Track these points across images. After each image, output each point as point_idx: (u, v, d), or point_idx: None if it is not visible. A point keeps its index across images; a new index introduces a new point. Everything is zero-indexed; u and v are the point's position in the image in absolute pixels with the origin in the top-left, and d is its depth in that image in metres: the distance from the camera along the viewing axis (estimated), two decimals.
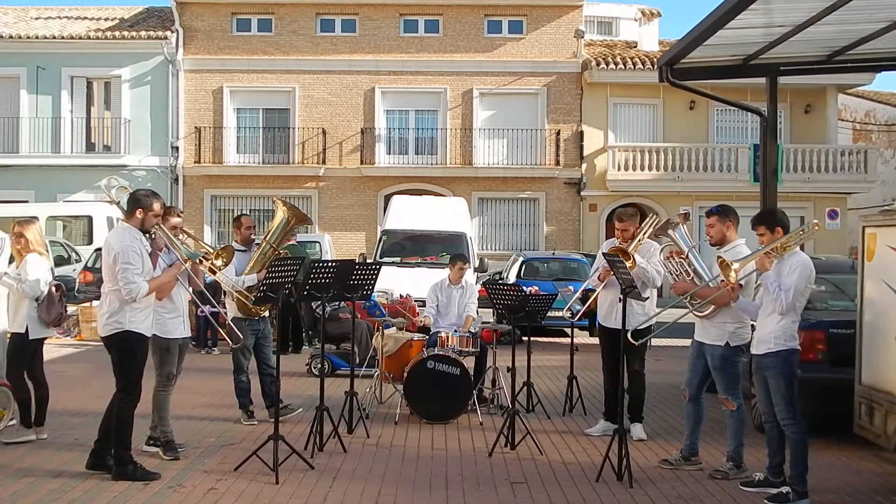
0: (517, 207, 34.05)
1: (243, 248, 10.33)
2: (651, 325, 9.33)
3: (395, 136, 33.90)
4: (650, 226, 9.49)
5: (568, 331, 13.26)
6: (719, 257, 7.57)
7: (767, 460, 7.65)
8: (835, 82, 32.35)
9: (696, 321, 8.21)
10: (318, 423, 8.69)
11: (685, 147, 32.73)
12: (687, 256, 8.18)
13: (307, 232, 26.43)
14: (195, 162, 33.45)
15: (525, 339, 10.25)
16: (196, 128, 33.42)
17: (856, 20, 10.99)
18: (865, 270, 7.90)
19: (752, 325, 7.73)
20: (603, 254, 9.07)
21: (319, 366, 9.75)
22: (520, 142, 33.55)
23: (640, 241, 9.51)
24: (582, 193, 33.65)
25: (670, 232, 8.33)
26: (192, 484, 7.54)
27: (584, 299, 11.33)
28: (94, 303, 18.49)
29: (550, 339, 19.80)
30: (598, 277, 9.62)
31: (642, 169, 32.79)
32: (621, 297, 8.05)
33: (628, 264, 8.60)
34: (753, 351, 7.48)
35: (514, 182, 33.57)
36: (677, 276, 8.23)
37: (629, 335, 8.04)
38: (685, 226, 8.38)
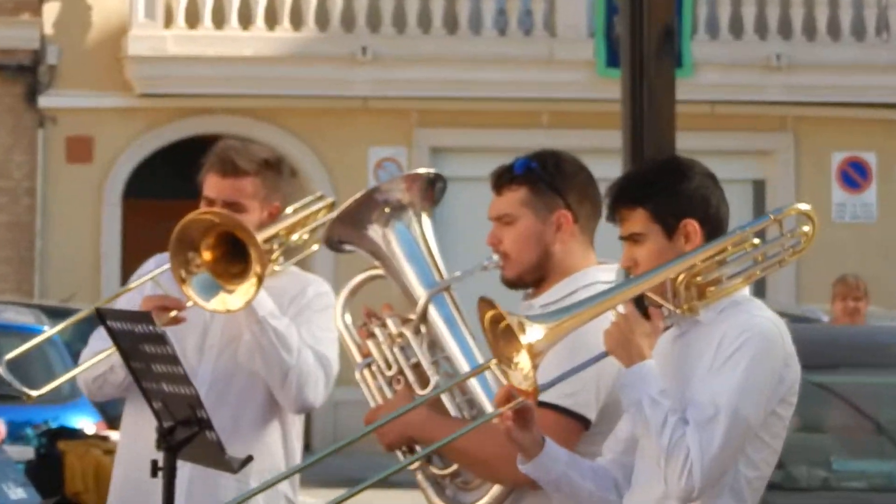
0: None
1: None
2: None
3: None
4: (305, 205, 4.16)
5: None
6: (483, 300, 2.66)
7: None
8: None
9: None
10: None
11: None
12: (425, 315, 3.29)
13: None
14: None
15: None
16: None
17: None
18: None
19: None
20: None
21: None
22: None
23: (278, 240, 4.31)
24: (40, 102, 16.98)
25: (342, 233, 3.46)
26: None
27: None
28: None
29: None
30: None
31: (272, 25, 15.99)
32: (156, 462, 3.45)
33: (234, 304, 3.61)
34: None
35: None
36: (384, 384, 3.35)
37: None
38: (427, 213, 3.51)
